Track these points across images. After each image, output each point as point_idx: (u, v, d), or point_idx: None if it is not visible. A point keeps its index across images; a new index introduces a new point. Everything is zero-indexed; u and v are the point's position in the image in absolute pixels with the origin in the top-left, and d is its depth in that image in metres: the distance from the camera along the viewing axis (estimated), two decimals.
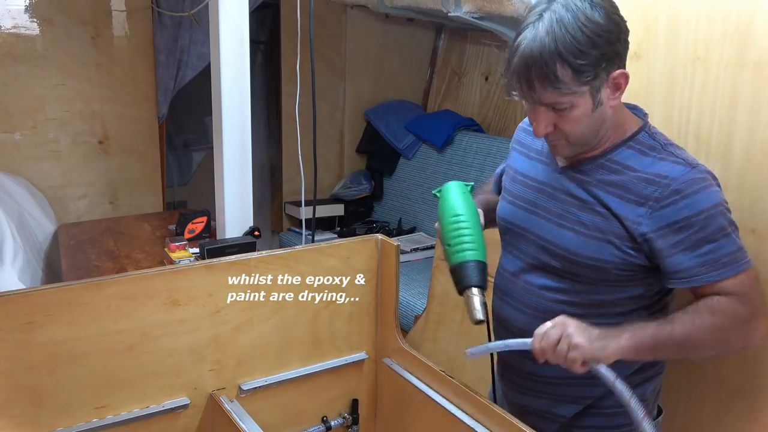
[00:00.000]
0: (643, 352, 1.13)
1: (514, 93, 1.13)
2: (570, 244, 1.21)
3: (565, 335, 1.10)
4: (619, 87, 1.12)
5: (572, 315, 1.14)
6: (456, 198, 1.29)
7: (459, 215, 1.26)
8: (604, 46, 1.06)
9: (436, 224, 1.32)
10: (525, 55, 1.07)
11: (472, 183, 1.35)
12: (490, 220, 1.39)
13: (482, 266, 1.22)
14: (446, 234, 1.26)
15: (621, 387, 1.06)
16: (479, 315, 1.18)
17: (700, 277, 1.11)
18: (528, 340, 1.15)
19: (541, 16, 1.07)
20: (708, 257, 1.10)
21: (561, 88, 1.07)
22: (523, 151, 1.37)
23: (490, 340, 1.32)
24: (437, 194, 1.33)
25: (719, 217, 1.10)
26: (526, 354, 1.19)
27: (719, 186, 1.15)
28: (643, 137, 1.19)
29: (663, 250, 1.13)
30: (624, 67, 1.12)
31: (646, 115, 1.25)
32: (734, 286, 1.11)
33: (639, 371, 1.26)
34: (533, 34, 1.06)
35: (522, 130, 1.41)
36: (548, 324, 1.13)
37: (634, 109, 1.25)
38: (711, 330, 1.11)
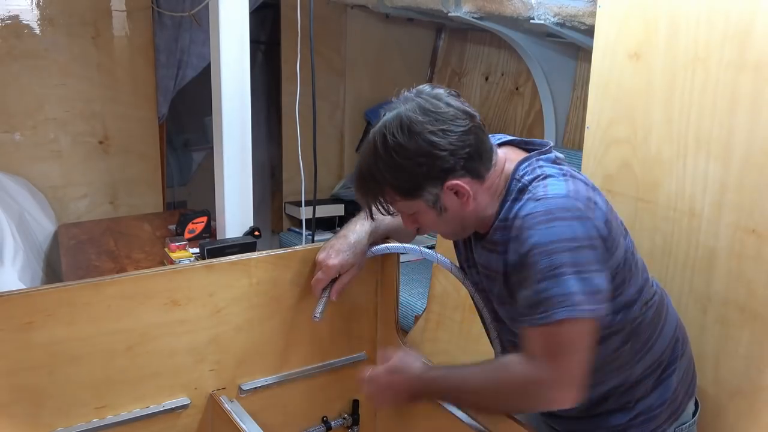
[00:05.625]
0: (437, 395, 1.24)
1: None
2: (495, 302, 1.22)
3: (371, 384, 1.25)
4: (460, 195, 1.09)
5: None
6: None
7: None
8: (417, 168, 1.06)
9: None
10: (357, 175, 1.13)
11: None
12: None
13: None
14: None
15: None
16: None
17: (519, 322, 1.04)
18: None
19: (374, 137, 1.09)
20: (526, 300, 1.00)
21: (392, 203, 1.13)
22: None
23: (488, 335, 1.33)
24: None
25: (554, 255, 0.97)
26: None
27: (593, 215, 1.03)
28: (513, 186, 1.11)
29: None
30: (461, 176, 1.07)
31: (544, 144, 1.17)
32: (534, 340, 1.00)
33: (654, 369, 1.22)
34: (365, 154, 1.11)
35: None
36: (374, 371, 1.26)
37: (532, 144, 1.19)
38: (483, 381, 1.09)
